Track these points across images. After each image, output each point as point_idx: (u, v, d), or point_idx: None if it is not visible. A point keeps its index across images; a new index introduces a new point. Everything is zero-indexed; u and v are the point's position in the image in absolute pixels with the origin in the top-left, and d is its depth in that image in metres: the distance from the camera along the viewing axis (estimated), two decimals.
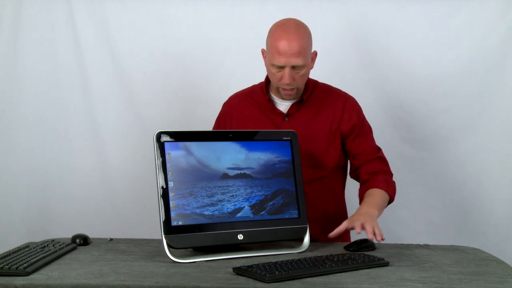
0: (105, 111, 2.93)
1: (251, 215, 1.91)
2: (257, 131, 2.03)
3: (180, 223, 1.82)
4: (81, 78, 2.92)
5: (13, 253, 1.83)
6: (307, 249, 1.93)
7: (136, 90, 2.93)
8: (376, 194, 2.16)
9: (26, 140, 2.93)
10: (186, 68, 2.91)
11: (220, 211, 1.88)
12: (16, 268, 1.65)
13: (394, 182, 2.25)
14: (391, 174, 2.29)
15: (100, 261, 1.82)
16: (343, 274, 1.67)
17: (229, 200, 1.90)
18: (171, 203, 1.82)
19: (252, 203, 1.92)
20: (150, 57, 2.91)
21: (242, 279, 1.62)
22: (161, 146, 1.85)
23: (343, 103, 2.26)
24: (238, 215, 1.90)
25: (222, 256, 1.83)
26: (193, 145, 1.89)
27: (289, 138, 2.02)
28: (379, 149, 2.31)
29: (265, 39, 2.17)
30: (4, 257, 1.76)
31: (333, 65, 2.76)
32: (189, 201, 1.84)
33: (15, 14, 2.88)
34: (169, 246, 1.79)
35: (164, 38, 2.90)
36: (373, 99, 2.84)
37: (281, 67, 2.10)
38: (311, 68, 2.20)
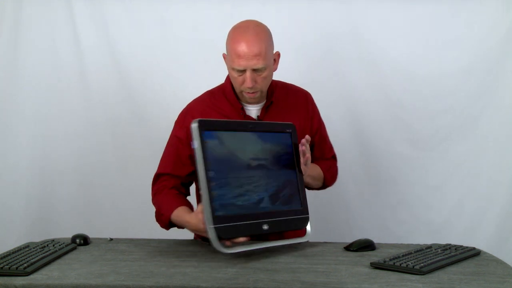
0: (105, 111, 2.93)
1: (270, 205, 1.90)
2: (267, 122, 2.03)
3: (222, 213, 1.78)
4: (81, 78, 2.92)
5: (13, 253, 1.82)
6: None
7: (136, 90, 2.93)
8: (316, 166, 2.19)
9: (26, 139, 2.93)
10: (186, 68, 2.91)
11: (248, 201, 1.86)
12: (16, 268, 1.65)
13: (336, 169, 2.27)
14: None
15: (100, 261, 1.82)
16: (343, 273, 1.67)
17: (254, 191, 1.88)
18: (213, 193, 1.77)
19: (270, 193, 1.91)
20: (150, 57, 2.91)
21: (242, 279, 1.61)
22: (200, 135, 1.79)
23: (305, 99, 2.23)
24: (261, 205, 1.88)
25: (259, 245, 1.85)
26: (225, 135, 1.86)
27: (290, 130, 2.03)
28: (332, 149, 2.31)
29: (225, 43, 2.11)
30: (4, 257, 1.76)
31: (333, 65, 2.76)
32: (225, 191, 1.81)
33: (15, 14, 2.88)
34: (218, 237, 1.74)
35: (164, 38, 2.90)
36: (373, 99, 2.84)
37: (242, 71, 2.04)
38: (275, 69, 2.14)
